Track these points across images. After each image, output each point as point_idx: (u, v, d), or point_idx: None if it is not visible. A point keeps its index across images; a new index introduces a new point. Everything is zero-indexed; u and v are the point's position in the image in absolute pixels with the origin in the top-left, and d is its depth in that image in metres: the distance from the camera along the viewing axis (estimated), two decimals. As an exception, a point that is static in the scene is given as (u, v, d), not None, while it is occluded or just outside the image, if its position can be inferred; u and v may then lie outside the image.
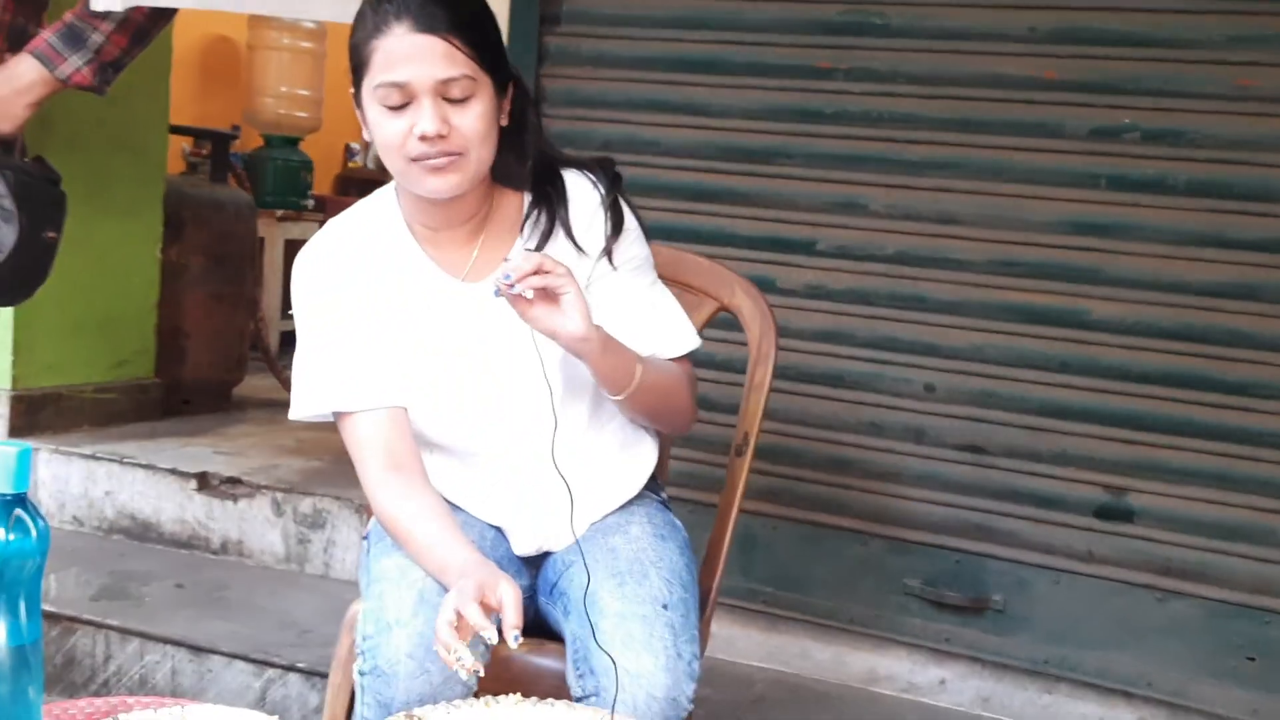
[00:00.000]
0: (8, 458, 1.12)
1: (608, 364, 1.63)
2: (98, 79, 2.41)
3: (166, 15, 2.48)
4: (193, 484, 3.27)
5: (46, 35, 2.37)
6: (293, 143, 5.92)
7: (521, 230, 1.72)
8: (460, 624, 1.39)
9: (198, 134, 5.22)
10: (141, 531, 3.31)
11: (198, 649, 2.69)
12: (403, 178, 1.65)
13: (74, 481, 3.37)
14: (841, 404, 2.70)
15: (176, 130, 4.45)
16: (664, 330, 1.75)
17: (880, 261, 2.65)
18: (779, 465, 2.70)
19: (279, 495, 3.20)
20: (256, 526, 3.21)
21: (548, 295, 1.54)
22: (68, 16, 2.39)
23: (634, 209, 1.75)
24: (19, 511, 1.13)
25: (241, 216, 4.36)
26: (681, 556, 1.72)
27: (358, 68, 1.61)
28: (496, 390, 1.70)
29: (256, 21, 5.81)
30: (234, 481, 3.26)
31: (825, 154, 2.68)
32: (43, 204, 2.39)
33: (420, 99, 1.56)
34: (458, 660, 1.36)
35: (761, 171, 2.73)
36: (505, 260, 1.59)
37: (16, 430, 3.46)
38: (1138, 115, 2.47)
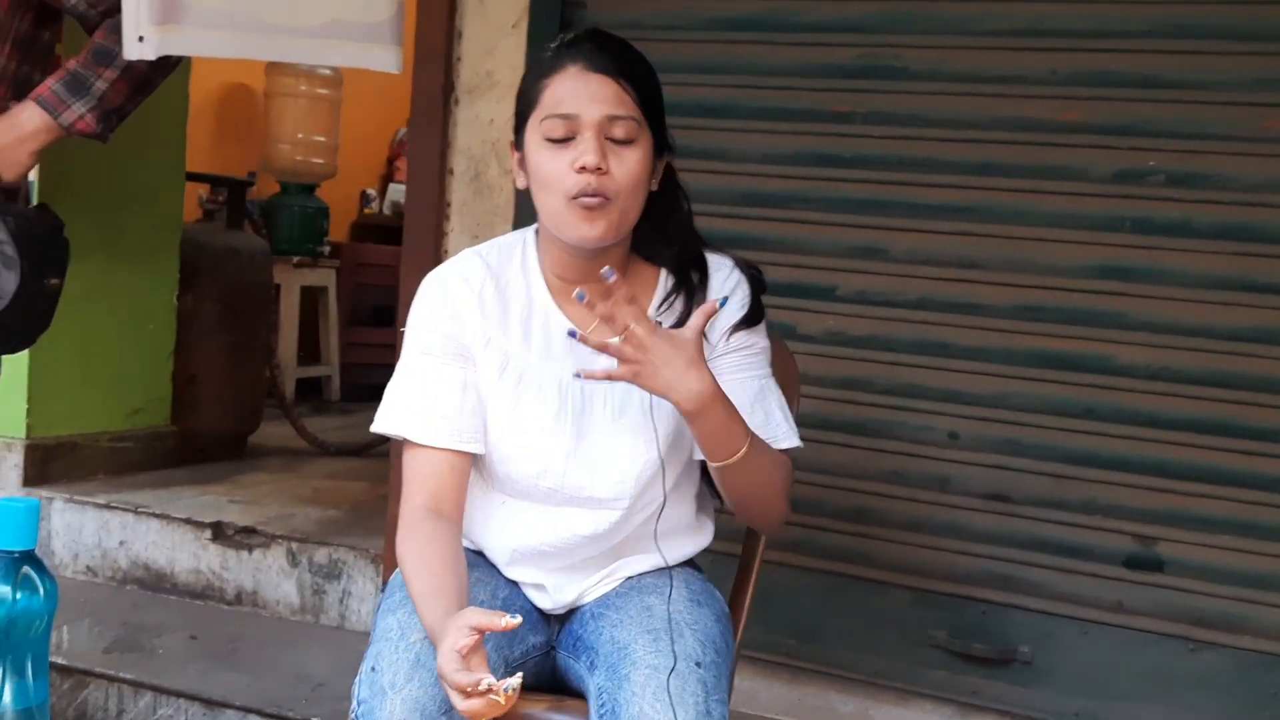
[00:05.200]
0: (15, 513, 1.09)
1: (718, 426, 1.59)
2: (100, 126, 2.41)
3: (171, 65, 2.47)
4: (207, 534, 3.24)
5: (50, 83, 2.37)
6: (309, 190, 5.92)
7: (659, 302, 1.73)
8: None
9: (214, 181, 5.22)
10: (155, 582, 3.28)
11: (211, 702, 2.66)
12: (555, 219, 1.64)
13: (88, 531, 3.35)
14: (863, 452, 2.66)
15: (192, 177, 4.45)
16: (768, 421, 1.72)
17: (901, 307, 2.62)
18: (801, 515, 2.64)
19: (294, 545, 3.17)
20: (271, 577, 3.18)
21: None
22: (71, 64, 2.39)
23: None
24: (26, 569, 1.10)
25: (257, 264, 4.36)
26: (717, 624, 1.70)
27: (524, 108, 1.65)
28: (598, 449, 1.69)
29: (274, 69, 5.83)
30: (249, 531, 3.23)
31: (844, 199, 2.66)
32: (45, 250, 2.38)
33: (584, 133, 1.59)
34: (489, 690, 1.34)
35: (780, 217, 2.70)
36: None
37: (31, 480, 3.44)
38: (1161, 158, 2.44)
